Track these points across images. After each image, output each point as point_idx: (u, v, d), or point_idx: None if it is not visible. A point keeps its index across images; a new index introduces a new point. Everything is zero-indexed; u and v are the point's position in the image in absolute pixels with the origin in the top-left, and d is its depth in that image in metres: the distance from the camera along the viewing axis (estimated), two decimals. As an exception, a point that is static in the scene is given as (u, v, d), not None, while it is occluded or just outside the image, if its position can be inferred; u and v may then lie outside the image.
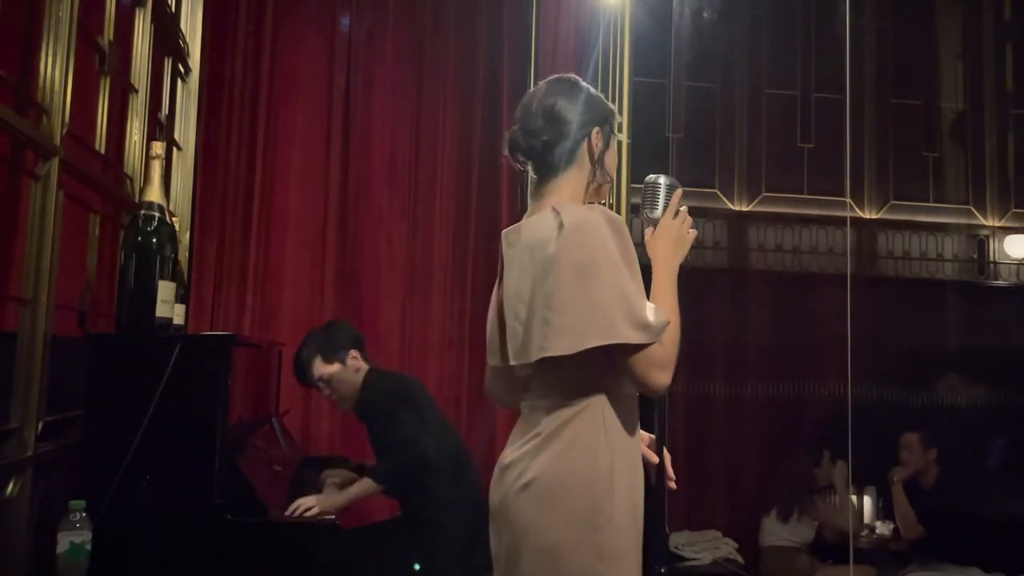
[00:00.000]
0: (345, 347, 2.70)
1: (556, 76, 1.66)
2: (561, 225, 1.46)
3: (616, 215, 1.49)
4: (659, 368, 1.44)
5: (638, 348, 1.42)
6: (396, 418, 2.61)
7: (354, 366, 2.71)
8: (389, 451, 2.64)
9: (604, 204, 1.64)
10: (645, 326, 1.42)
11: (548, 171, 1.59)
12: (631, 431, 1.53)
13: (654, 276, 1.55)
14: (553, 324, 1.44)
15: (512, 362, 1.56)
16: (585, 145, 1.58)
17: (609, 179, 1.61)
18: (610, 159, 1.62)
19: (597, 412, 1.48)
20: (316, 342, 2.71)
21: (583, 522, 1.43)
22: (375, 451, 2.79)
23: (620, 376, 1.48)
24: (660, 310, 1.47)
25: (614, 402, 1.49)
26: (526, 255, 1.52)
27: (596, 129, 1.58)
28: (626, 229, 1.48)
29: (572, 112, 1.58)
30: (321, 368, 2.68)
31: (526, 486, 1.47)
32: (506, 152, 1.64)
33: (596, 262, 1.43)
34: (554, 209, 1.50)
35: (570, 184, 1.58)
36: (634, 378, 1.46)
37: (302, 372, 2.72)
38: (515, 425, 1.60)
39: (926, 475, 3.85)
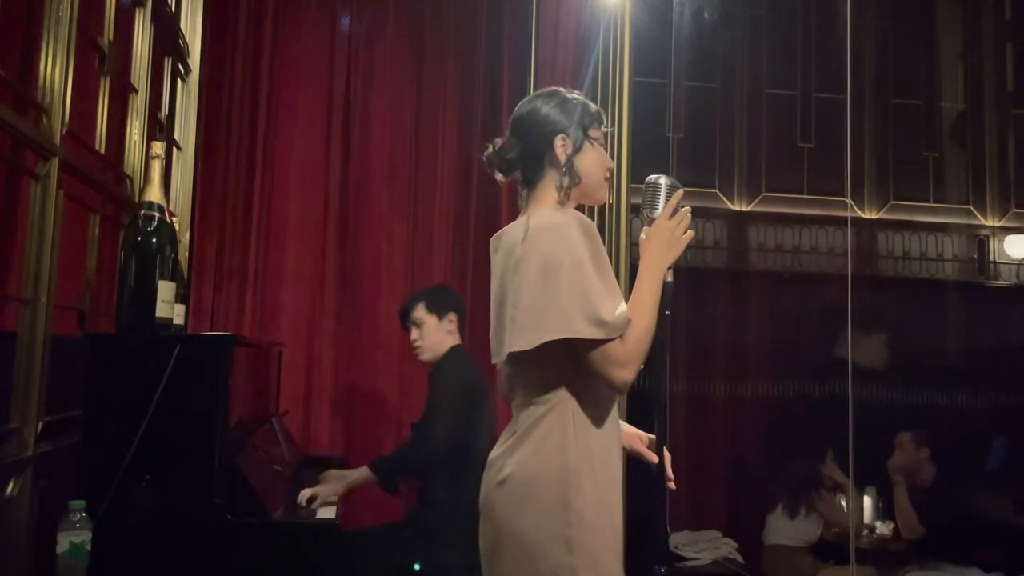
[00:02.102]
0: (448, 307, 2.88)
1: (535, 92, 1.73)
2: (527, 229, 1.53)
3: (587, 219, 1.55)
4: (618, 365, 1.48)
5: (597, 344, 1.46)
6: (441, 399, 2.74)
7: (447, 327, 2.86)
8: (413, 439, 2.81)
9: (604, 205, 1.67)
10: (601, 322, 1.46)
11: (527, 181, 1.67)
12: (602, 427, 1.56)
13: (638, 273, 1.58)
14: (517, 321, 1.52)
15: (493, 360, 1.64)
16: (549, 154, 1.62)
17: (577, 181, 1.62)
18: (586, 162, 1.64)
19: (566, 410, 1.53)
20: (426, 292, 2.96)
21: (553, 517, 1.48)
22: (424, 416, 2.89)
23: (590, 374, 1.51)
24: (631, 308, 1.50)
25: (584, 399, 1.54)
26: (504, 258, 1.60)
27: (561, 136, 1.62)
28: (597, 233, 1.55)
29: (533, 124, 1.64)
30: (420, 313, 2.87)
31: (502, 483, 1.54)
32: (488, 170, 1.72)
33: (558, 262, 1.48)
34: (528, 215, 1.58)
35: (548, 191, 1.64)
36: (594, 374, 1.50)
37: (404, 314, 2.92)
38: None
39: (921, 474, 3.84)
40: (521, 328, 1.50)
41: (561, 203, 1.62)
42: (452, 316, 2.88)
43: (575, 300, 1.46)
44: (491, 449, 1.65)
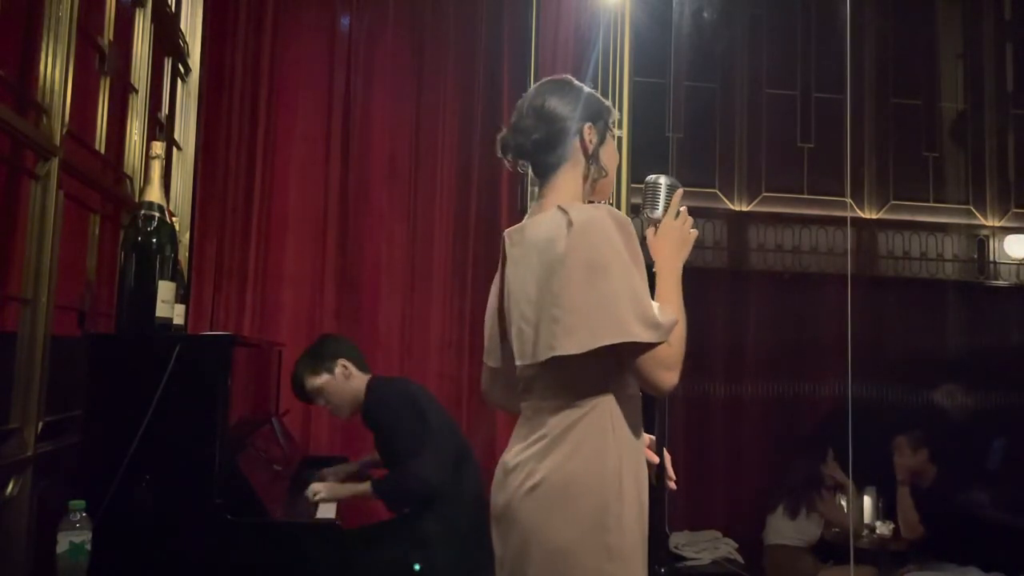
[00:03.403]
0: (332, 358, 2.75)
1: (549, 78, 1.67)
2: (570, 223, 1.45)
3: (622, 214, 1.48)
4: (666, 368, 1.44)
5: (647, 347, 1.41)
6: (404, 427, 2.64)
7: (343, 374, 2.75)
8: (398, 467, 2.66)
9: (607, 203, 1.65)
10: (656, 325, 1.41)
11: (545, 170, 1.59)
12: (637, 432, 1.52)
13: (658, 277, 1.55)
14: (563, 323, 1.43)
15: (519, 362, 1.54)
16: (577, 141, 1.58)
17: (604, 173, 1.60)
18: (607, 155, 1.61)
19: (604, 413, 1.47)
20: (304, 359, 2.79)
21: (592, 523, 1.43)
22: (382, 456, 2.82)
23: (626, 376, 1.47)
24: (667, 310, 1.46)
25: (621, 402, 1.49)
26: (532, 254, 1.52)
27: (588, 124, 1.58)
28: (632, 228, 1.47)
29: (562, 109, 1.58)
30: (311, 381, 2.75)
31: (534, 488, 1.46)
32: (499, 154, 1.64)
33: (606, 260, 1.42)
34: (560, 208, 1.49)
35: (568, 181, 1.58)
36: (641, 378, 1.45)
37: (299, 390, 2.80)
38: (516, 426, 1.59)
39: (921, 475, 3.84)
40: (569, 330, 1.42)
41: (586, 195, 1.59)
42: (341, 362, 2.74)
43: (628, 302, 1.40)
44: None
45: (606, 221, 1.44)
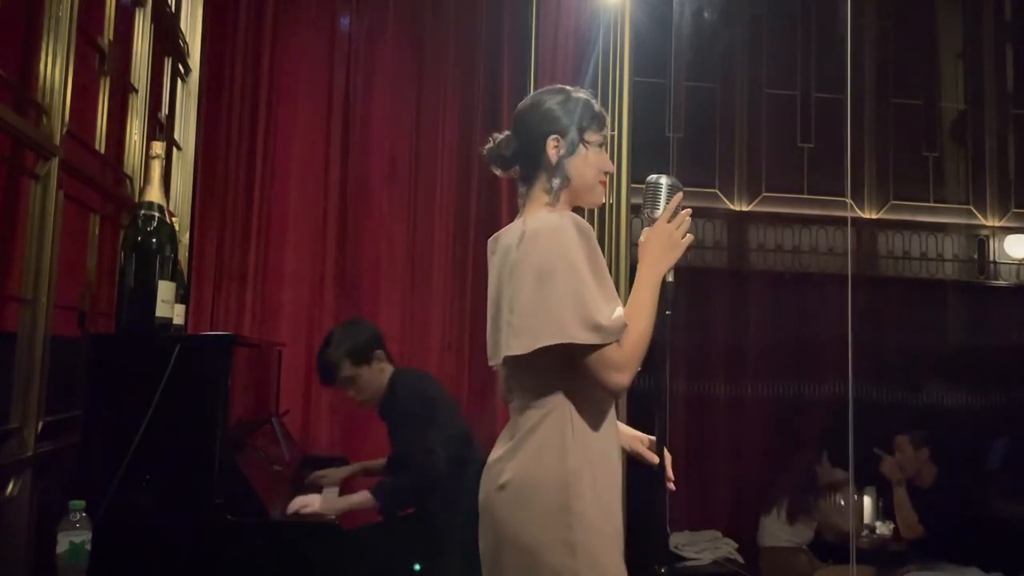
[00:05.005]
0: (371, 348, 2.71)
1: (541, 89, 1.72)
2: (523, 233, 1.53)
3: (584, 221, 1.53)
4: (615, 369, 1.48)
5: (593, 349, 1.47)
6: (415, 423, 2.62)
7: (379, 367, 2.72)
8: (400, 465, 2.69)
9: (604, 205, 1.66)
10: (597, 327, 1.46)
11: (523, 179, 1.67)
12: (600, 430, 1.56)
13: (636, 276, 1.58)
14: (513, 326, 1.52)
15: (489, 363, 1.64)
16: (543, 154, 1.62)
17: (567, 184, 1.61)
18: (578, 165, 1.61)
19: (564, 413, 1.52)
20: (344, 343, 2.69)
21: (554, 521, 1.48)
22: (393, 448, 2.81)
23: (586, 377, 1.51)
24: (628, 313, 1.50)
25: (582, 402, 1.53)
26: (501, 261, 1.61)
27: (554, 137, 1.61)
28: (593, 235, 1.54)
29: (531, 122, 1.64)
30: (349, 370, 2.68)
31: (502, 487, 1.53)
32: (487, 164, 1.72)
33: (553, 267, 1.48)
34: (523, 218, 1.59)
35: (541, 191, 1.63)
36: (592, 378, 1.50)
37: (328, 373, 2.70)
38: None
39: (922, 475, 3.84)
40: (517, 332, 1.50)
41: (552, 204, 1.61)
42: (379, 354, 2.71)
43: (571, 305, 1.45)
44: (483, 447, 1.65)
45: (562, 228, 1.50)
